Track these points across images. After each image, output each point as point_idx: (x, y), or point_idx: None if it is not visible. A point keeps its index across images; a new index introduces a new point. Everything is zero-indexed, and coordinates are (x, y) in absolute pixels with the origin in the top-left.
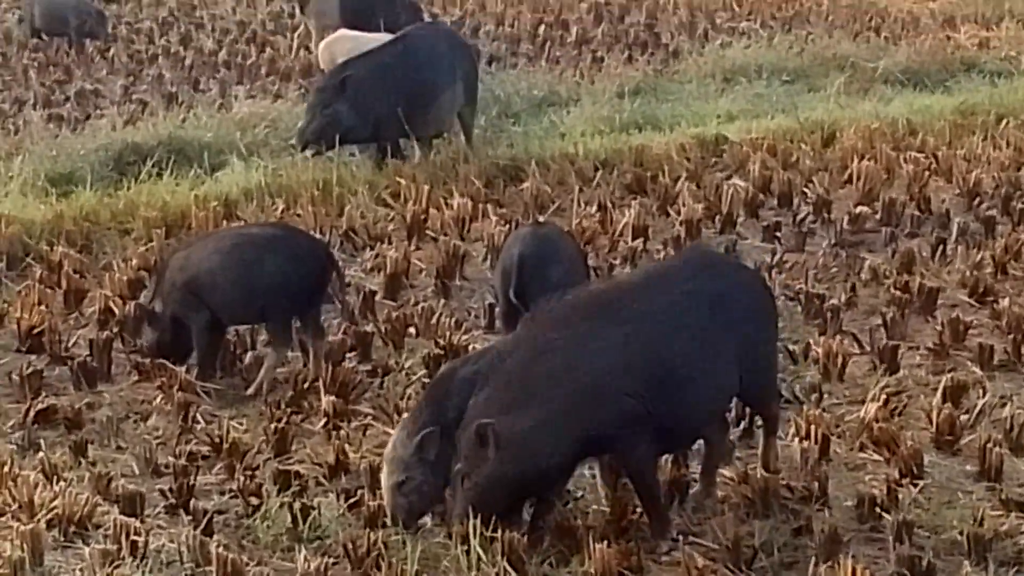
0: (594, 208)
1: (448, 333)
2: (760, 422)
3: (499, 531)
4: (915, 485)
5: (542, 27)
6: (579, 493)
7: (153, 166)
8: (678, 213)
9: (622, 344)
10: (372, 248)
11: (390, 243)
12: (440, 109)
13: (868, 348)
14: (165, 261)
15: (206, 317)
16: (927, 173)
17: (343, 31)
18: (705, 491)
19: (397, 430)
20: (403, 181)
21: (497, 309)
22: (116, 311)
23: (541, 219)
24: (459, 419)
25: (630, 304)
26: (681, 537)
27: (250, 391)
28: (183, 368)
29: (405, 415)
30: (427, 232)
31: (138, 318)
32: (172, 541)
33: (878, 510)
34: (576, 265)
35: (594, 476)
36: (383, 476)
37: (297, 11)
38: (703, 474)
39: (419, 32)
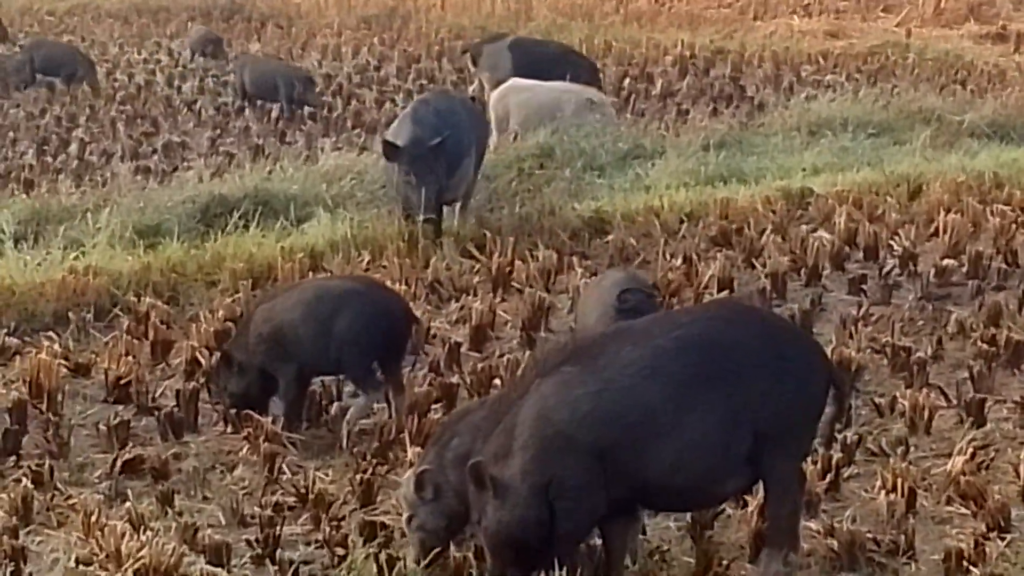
0: (679, 260)
1: None
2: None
3: None
4: (1002, 539)
5: (627, 80)
6: (665, 546)
7: (239, 218)
8: (763, 266)
9: (594, 393)
10: (457, 300)
11: (475, 295)
12: (461, 177)
13: (955, 401)
14: (250, 312)
15: (294, 368)
16: (1014, 226)
17: (516, 80)
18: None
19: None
20: (488, 233)
21: None
22: (203, 362)
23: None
24: (456, 461)
25: (613, 350)
26: None
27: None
28: (270, 419)
29: None
30: (512, 284)
31: (220, 367)
32: None
33: (965, 564)
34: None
35: (680, 529)
36: None
37: (469, 64)
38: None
39: (440, 97)
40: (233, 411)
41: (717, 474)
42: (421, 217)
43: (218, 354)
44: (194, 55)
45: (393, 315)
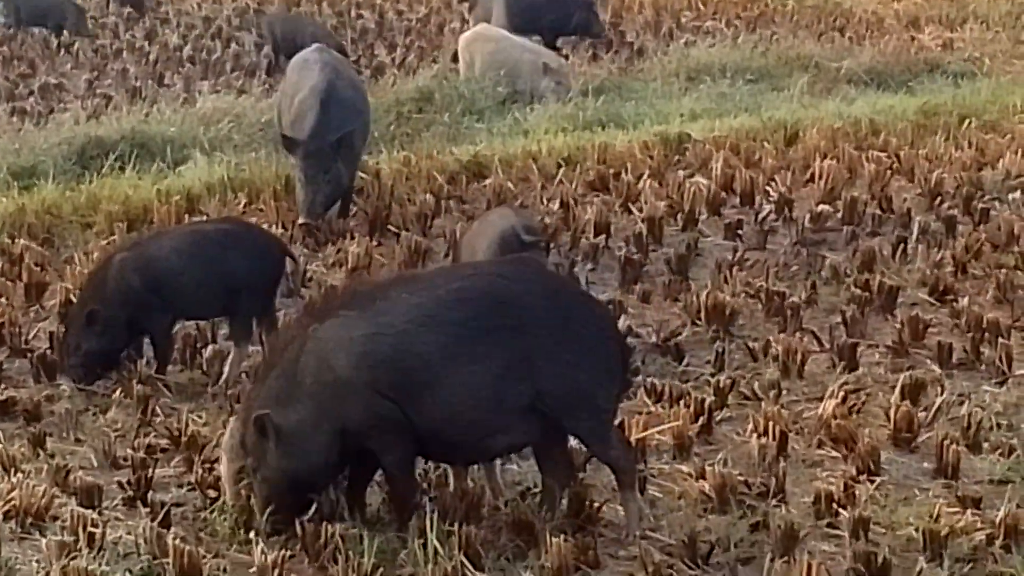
0: (556, 205)
1: None
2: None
3: (456, 525)
4: (872, 482)
5: None
6: (537, 487)
7: (116, 160)
8: (640, 210)
9: (369, 338)
10: (334, 244)
11: (352, 238)
12: (361, 142)
13: (828, 346)
14: (104, 265)
15: (168, 318)
16: (889, 173)
17: (485, 27)
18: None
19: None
20: (366, 176)
21: None
22: None
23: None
24: None
25: (392, 297)
26: (639, 532)
27: (218, 385)
28: (143, 361)
29: None
30: (389, 228)
31: (77, 327)
32: (129, 533)
33: (835, 507)
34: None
35: None
36: None
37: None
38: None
39: (334, 60)
40: (84, 381)
41: (490, 427)
42: (300, 220)
43: (68, 318)
44: (110, 3)
45: (275, 254)
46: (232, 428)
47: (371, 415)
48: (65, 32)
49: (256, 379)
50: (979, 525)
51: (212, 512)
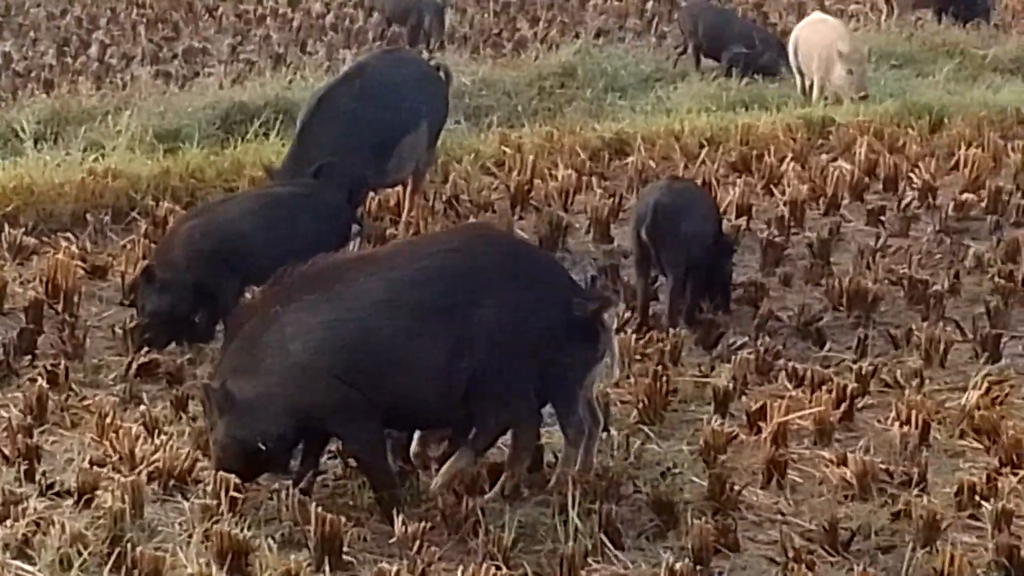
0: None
1: None
2: None
3: (597, 503)
4: (1015, 474)
5: (650, 2)
6: (677, 468)
7: (260, 126)
8: (783, 193)
9: (328, 325)
10: (476, 216)
11: (494, 211)
12: (401, 158)
13: (970, 336)
14: (176, 229)
15: (237, 281)
16: None
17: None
18: (506, 484)
19: None
20: (508, 150)
21: (630, 256)
22: None
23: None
24: None
25: (352, 280)
26: (779, 516)
27: None
28: None
29: None
30: (531, 202)
31: (142, 285)
32: (272, 499)
33: (977, 498)
34: (708, 220)
35: (692, 452)
36: None
37: None
38: (507, 465)
39: (378, 63)
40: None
41: (447, 400)
42: None
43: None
44: None
45: (342, 218)
46: None
47: (332, 400)
48: None
49: (221, 348)
50: None
51: (355, 481)
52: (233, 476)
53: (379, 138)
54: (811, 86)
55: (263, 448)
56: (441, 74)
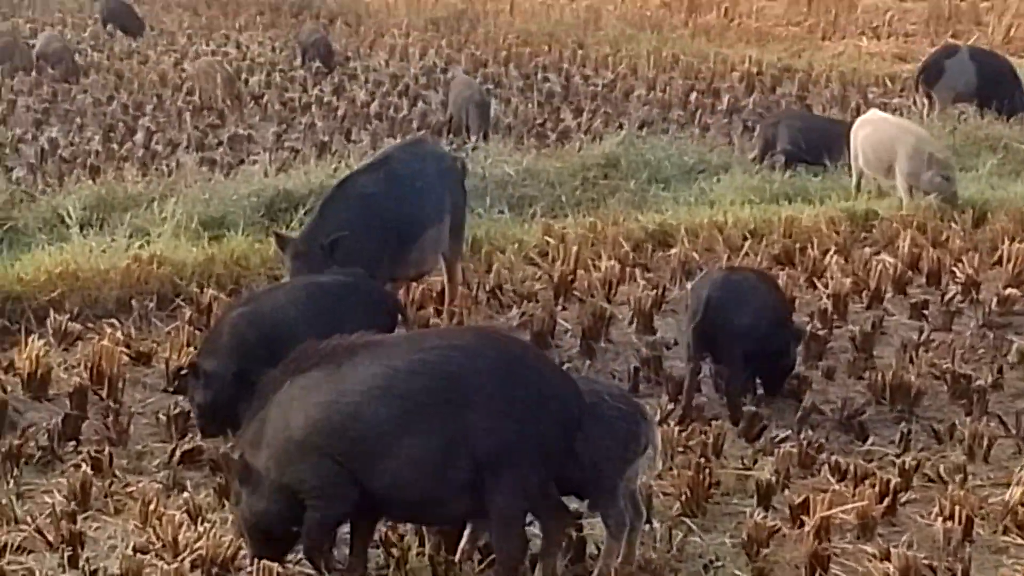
0: None
1: None
2: None
3: None
4: None
5: (693, 94)
6: (719, 561)
7: (304, 214)
8: (825, 286)
9: (324, 405)
10: (519, 306)
11: (537, 302)
12: (422, 250)
13: (1014, 431)
14: (224, 318)
15: None
16: None
17: (874, 112)
18: None
19: None
20: (552, 241)
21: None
22: None
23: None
24: None
25: (356, 363)
26: None
27: None
28: None
29: None
30: (574, 293)
31: (191, 380)
32: None
33: None
34: (766, 311)
35: (734, 545)
36: None
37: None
38: (540, 558)
39: (402, 154)
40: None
41: (437, 497)
42: None
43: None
44: (305, 58)
45: (387, 310)
46: None
47: (314, 477)
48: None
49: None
50: None
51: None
52: (273, 563)
53: (401, 229)
54: (859, 180)
55: (274, 521)
56: (458, 165)
